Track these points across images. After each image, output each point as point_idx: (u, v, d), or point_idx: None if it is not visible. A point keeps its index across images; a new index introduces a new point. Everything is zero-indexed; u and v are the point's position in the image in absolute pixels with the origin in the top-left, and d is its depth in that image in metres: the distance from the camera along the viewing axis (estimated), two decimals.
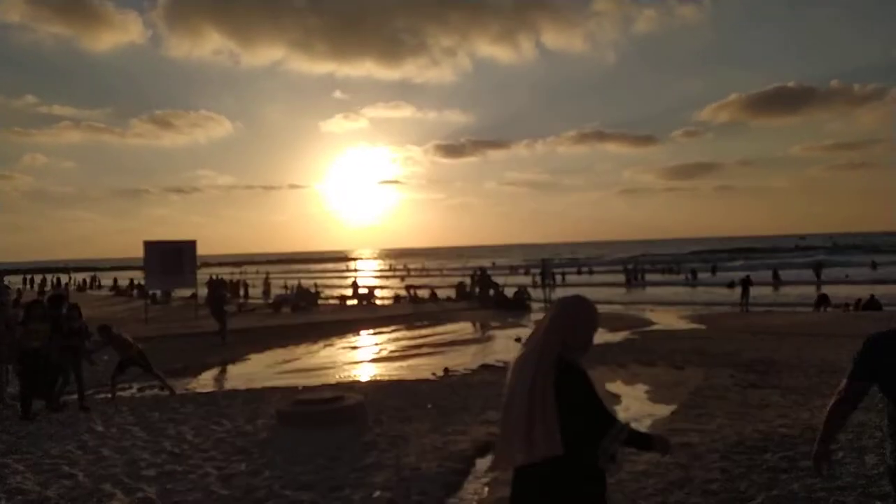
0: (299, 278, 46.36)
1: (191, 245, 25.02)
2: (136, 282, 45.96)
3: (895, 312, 21.10)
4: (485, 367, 12.99)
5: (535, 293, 29.83)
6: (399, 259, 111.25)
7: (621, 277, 46.96)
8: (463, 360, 14.17)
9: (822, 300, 24.74)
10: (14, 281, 49.68)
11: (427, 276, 61.79)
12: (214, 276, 38.93)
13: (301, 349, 16.99)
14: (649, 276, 48.08)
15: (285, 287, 36.38)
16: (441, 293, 32.93)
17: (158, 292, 32.26)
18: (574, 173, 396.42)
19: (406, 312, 26.30)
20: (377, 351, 16.61)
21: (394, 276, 65.04)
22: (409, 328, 21.26)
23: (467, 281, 34.24)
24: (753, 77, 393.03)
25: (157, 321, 23.64)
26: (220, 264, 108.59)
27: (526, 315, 24.41)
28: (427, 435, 7.47)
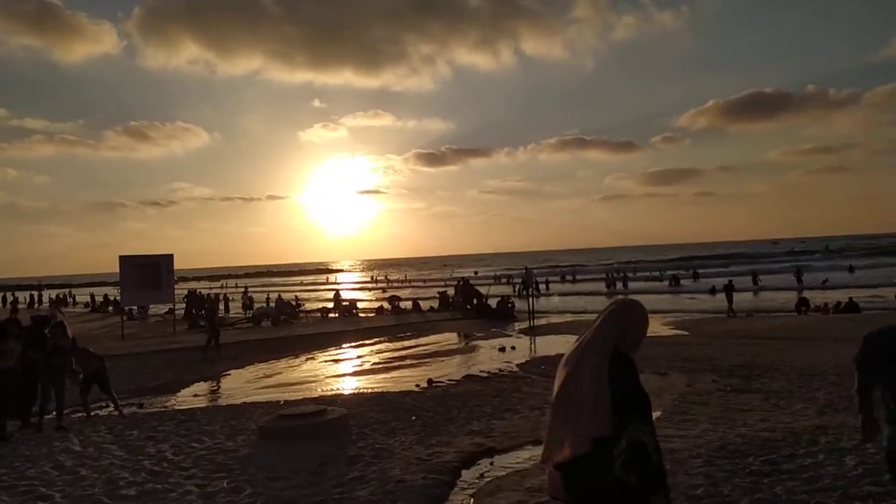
0: (279, 291, 46.02)
1: (168, 259, 24.73)
2: (110, 297, 45.39)
3: (873, 315, 21.47)
4: (469, 377, 12.97)
5: (520, 302, 29.89)
6: (381, 270, 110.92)
7: (604, 286, 47.32)
8: (447, 371, 14.13)
9: (802, 303, 25.22)
10: None
11: (409, 286, 61.68)
12: (193, 291, 38.56)
13: (282, 363, 16.83)
14: (633, 284, 48.34)
15: (267, 300, 36.06)
16: (424, 304, 32.87)
17: (135, 308, 31.87)
18: (555, 180, 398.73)
19: (389, 324, 26.19)
20: (360, 363, 16.51)
21: (375, 288, 64.80)
22: (392, 340, 21.17)
23: (449, 291, 34.24)
24: (731, 83, 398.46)
25: (134, 337, 23.31)
26: (199, 278, 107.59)
27: (510, 325, 24.42)
28: (412, 447, 7.42)
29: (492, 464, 6.94)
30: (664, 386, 10.54)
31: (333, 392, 12.21)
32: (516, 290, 41.51)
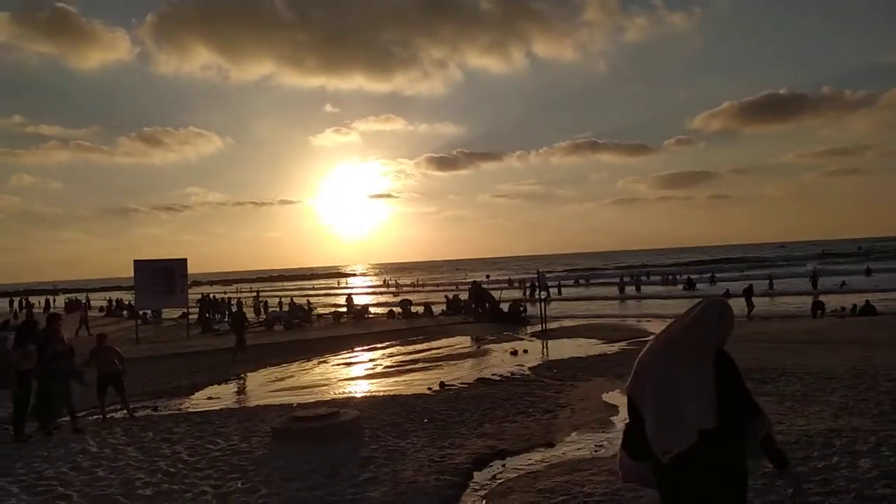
0: (292, 295, 46.29)
1: (181, 263, 24.91)
2: (124, 301, 45.81)
3: (890, 318, 21.27)
4: (481, 380, 12.97)
5: (532, 307, 29.85)
6: (393, 274, 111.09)
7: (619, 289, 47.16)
8: (459, 374, 14.15)
9: (818, 307, 25.02)
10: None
11: (422, 290, 61.74)
12: (206, 296, 38.86)
13: (295, 366, 16.92)
14: (646, 288, 48.08)
15: (280, 304, 36.24)
16: (436, 308, 32.91)
17: (149, 312, 32.17)
18: (567, 184, 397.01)
19: (400, 327, 26.25)
20: (372, 367, 16.56)
21: (387, 292, 64.95)
22: (403, 343, 21.21)
23: (462, 295, 34.23)
24: (745, 85, 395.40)
25: (148, 341, 23.52)
26: (212, 282, 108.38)
27: (522, 328, 24.39)
28: (424, 449, 7.46)
29: (504, 466, 6.97)
30: None
31: (346, 395, 12.27)
32: (527, 293, 41.39)
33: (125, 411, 10.48)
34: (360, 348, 20.38)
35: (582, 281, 62.44)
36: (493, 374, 13.66)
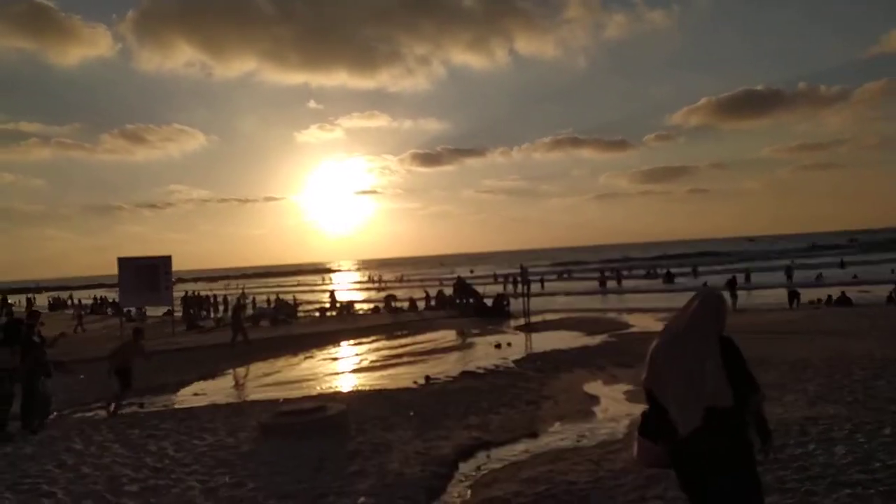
0: (277, 292, 46.06)
1: (166, 261, 24.70)
2: (108, 299, 45.34)
3: (864, 309, 21.67)
4: (466, 374, 13.07)
5: (515, 300, 29.95)
6: (378, 270, 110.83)
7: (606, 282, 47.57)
8: (444, 367, 14.24)
9: (794, 296, 25.53)
10: None
11: (407, 286, 61.70)
12: (189, 294, 38.63)
13: (281, 362, 16.92)
14: (627, 282, 48.45)
15: (268, 301, 36.07)
16: (420, 304, 32.96)
17: (133, 309, 31.90)
18: (550, 179, 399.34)
19: (386, 322, 26.28)
20: (358, 361, 16.60)
21: (372, 288, 64.85)
22: (389, 338, 21.26)
23: (446, 291, 34.29)
24: (723, 80, 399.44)
25: None
26: (197, 280, 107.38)
27: (506, 322, 24.53)
28: (410, 442, 7.53)
29: (488, 456, 7.07)
30: None
31: (332, 389, 12.30)
32: (504, 287, 41.44)
33: (109, 406, 10.48)
34: (345, 343, 20.40)
35: (565, 275, 62.76)
36: (477, 368, 13.76)
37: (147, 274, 24.00)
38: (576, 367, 12.85)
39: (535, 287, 36.97)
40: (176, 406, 11.25)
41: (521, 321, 23.22)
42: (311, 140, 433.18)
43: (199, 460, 7.11)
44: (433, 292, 34.54)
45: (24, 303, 50.07)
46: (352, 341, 20.80)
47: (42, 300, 58.46)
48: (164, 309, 30.74)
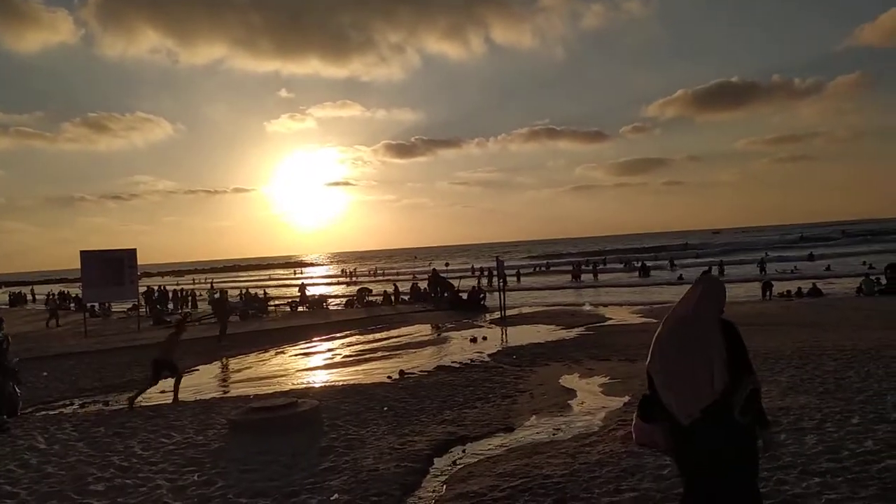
0: (247, 286, 45.47)
1: (131, 254, 24.16)
2: (71, 294, 44.27)
3: (834, 300, 22.17)
4: (441, 368, 13.02)
5: (491, 294, 30.01)
6: (351, 263, 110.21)
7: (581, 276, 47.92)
8: (419, 362, 14.16)
9: (767, 287, 26.09)
10: None
11: (381, 279, 61.44)
12: (157, 287, 37.92)
13: (251, 358, 16.67)
14: (602, 276, 48.84)
15: (239, 294, 35.52)
16: (394, 297, 32.82)
17: (96, 305, 31.21)
18: (526, 171, 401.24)
19: (359, 316, 26.11)
20: (331, 356, 16.43)
21: (344, 281, 64.43)
22: (362, 332, 21.11)
23: (421, 284, 34.23)
24: (699, 72, 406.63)
25: (98, 334, 22.84)
26: (163, 273, 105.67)
27: (481, 316, 24.52)
28: (384, 437, 7.45)
29: (464, 451, 7.01)
30: (632, 372, 10.73)
31: (304, 385, 12.15)
32: (479, 280, 41.46)
33: (174, 396, 10.96)
34: (318, 338, 20.19)
35: (542, 268, 63.10)
36: (452, 362, 13.72)
37: (111, 268, 23.44)
38: (552, 361, 12.87)
39: (511, 281, 37.12)
40: (143, 403, 10.98)
41: (497, 315, 23.25)
42: (281, 130, 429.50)
43: (167, 458, 6.94)
44: (407, 287, 34.45)
45: None
46: (324, 336, 20.60)
47: (1, 296, 56.94)
48: (130, 304, 30.19)
